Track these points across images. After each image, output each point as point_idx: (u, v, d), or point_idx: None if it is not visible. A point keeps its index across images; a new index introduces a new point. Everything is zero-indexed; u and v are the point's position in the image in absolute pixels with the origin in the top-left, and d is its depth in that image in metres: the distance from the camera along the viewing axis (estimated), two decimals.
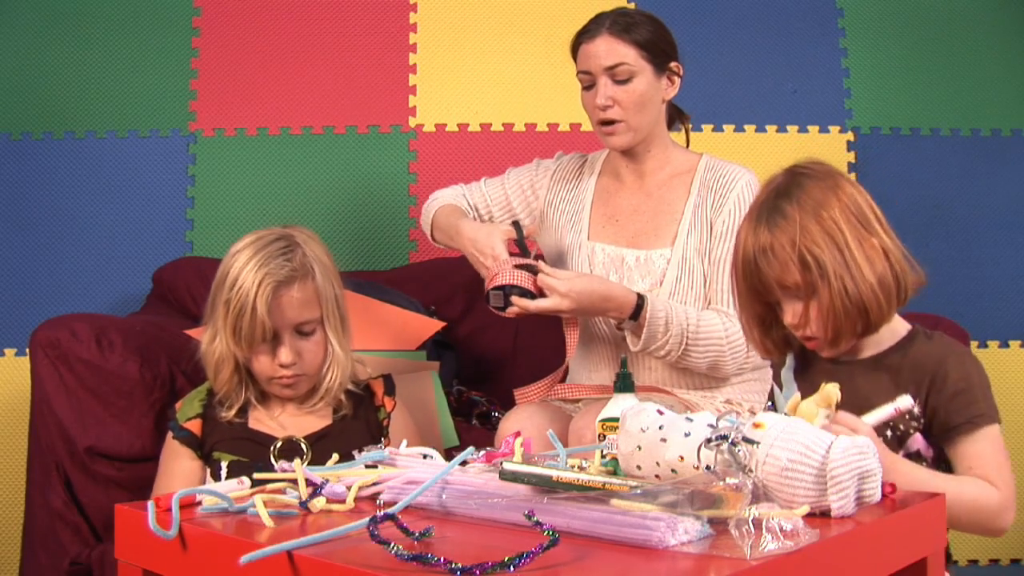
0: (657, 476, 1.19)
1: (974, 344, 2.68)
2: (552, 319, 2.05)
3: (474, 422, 2.37)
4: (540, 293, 1.88)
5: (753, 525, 0.95)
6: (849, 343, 1.45)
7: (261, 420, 1.81)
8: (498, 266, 1.91)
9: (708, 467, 1.13)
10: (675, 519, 0.97)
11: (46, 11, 2.84)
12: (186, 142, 2.82)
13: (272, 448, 1.74)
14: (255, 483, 1.29)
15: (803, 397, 1.30)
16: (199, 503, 1.23)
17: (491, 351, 2.55)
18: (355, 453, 1.36)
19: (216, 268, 1.78)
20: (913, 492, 1.25)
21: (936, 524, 1.22)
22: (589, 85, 2.02)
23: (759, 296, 1.46)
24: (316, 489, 1.23)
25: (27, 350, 2.04)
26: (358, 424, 1.83)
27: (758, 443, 1.11)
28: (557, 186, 2.16)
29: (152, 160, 2.81)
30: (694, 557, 0.94)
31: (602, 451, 1.35)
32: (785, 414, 1.27)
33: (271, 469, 1.32)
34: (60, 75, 2.82)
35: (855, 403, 1.36)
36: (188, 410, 1.81)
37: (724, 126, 2.88)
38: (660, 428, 1.21)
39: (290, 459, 1.36)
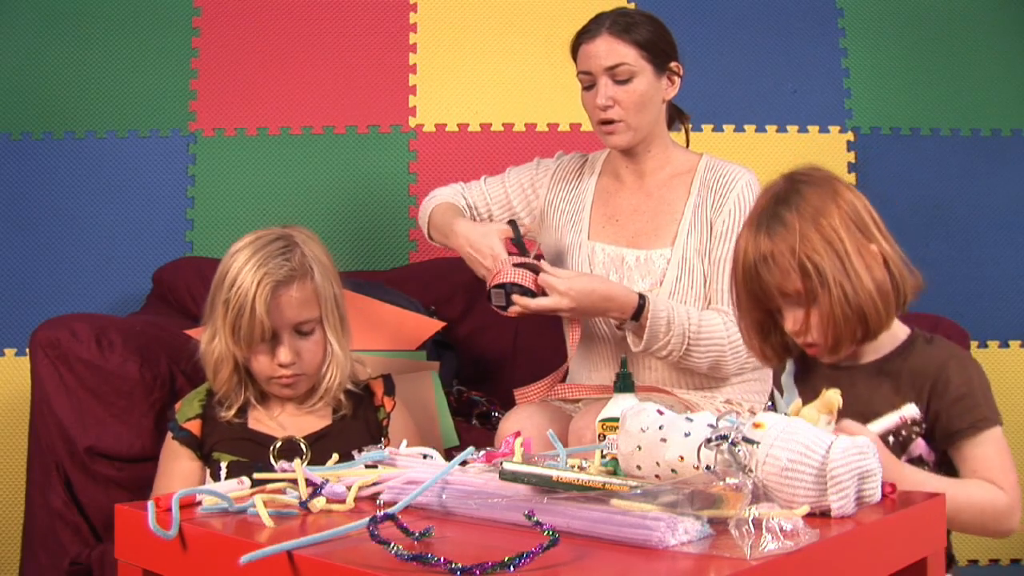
0: (657, 476, 1.19)
1: (974, 344, 2.68)
2: (552, 319, 2.05)
3: (474, 422, 2.36)
4: (541, 292, 1.88)
5: (753, 525, 0.95)
6: (849, 349, 1.45)
7: (260, 420, 1.80)
8: (499, 265, 1.91)
9: (708, 467, 1.13)
10: (675, 519, 0.97)
11: (46, 11, 2.84)
12: (186, 142, 2.82)
13: (272, 448, 1.74)
14: (255, 483, 1.29)
15: (804, 403, 1.30)
16: (199, 503, 1.23)
17: (491, 351, 2.55)
18: (355, 453, 1.36)
19: (216, 268, 1.78)
20: (913, 492, 1.25)
21: (936, 524, 1.22)
22: (589, 85, 2.02)
23: (759, 303, 1.47)
24: (316, 489, 1.23)
25: (27, 350, 2.04)
26: (358, 424, 1.83)
27: (758, 443, 1.11)
28: (557, 186, 2.16)
29: (152, 160, 2.80)
30: (694, 557, 0.94)
31: (602, 451, 1.35)
32: None
33: (271, 469, 1.32)
34: (60, 75, 2.82)
35: (856, 409, 1.36)
36: (187, 410, 1.81)
37: (724, 126, 2.88)
38: (660, 428, 1.21)
39: (289, 459, 1.36)
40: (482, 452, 1.34)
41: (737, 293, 1.49)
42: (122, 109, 2.82)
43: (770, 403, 1.63)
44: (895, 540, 1.13)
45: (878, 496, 1.14)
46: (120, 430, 1.96)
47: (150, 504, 1.17)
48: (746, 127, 2.88)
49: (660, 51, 2.00)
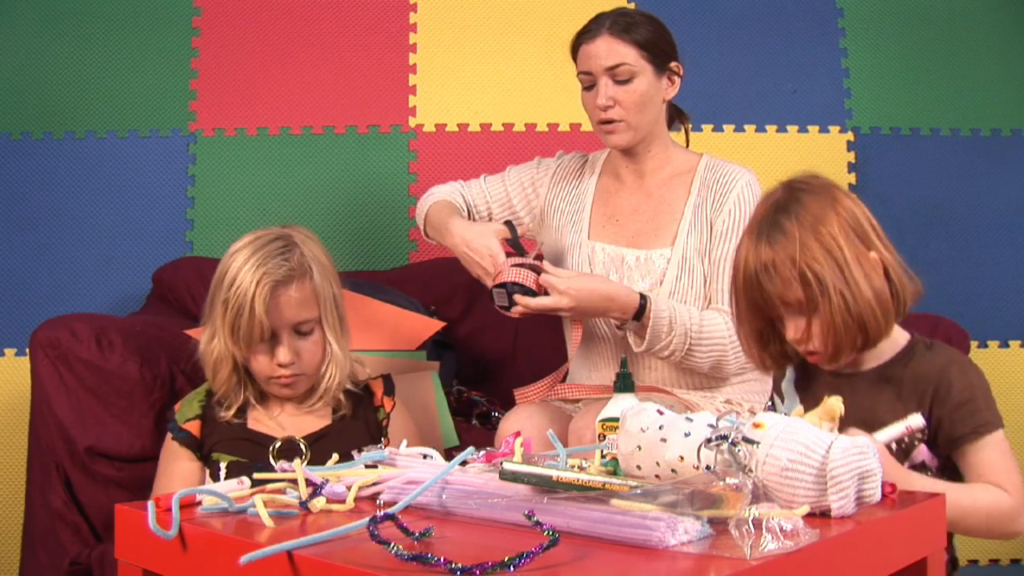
0: (657, 476, 1.19)
1: (974, 344, 2.68)
2: (552, 319, 2.05)
3: (474, 422, 2.36)
4: (543, 292, 1.88)
5: (753, 525, 0.95)
6: (849, 357, 1.46)
7: (260, 420, 1.80)
8: (499, 265, 1.91)
9: (708, 467, 1.13)
10: (675, 519, 0.97)
11: (46, 11, 2.84)
12: (186, 142, 2.82)
13: (271, 448, 1.74)
14: (255, 483, 1.29)
15: (806, 410, 1.30)
16: (199, 503, 1.23)
17: (491, 351, 2.55)
18: (354, 453, 1.36)
19: (216, 268, 1.78)
20: (913, 492, 1.25)
21: (936, 524, 1.22)
22: (590, 85, 2.02)
23: (760, 312, 1.47)
24: (316, 489, 1.23)
25: (27, 350, 2.04)
26: (357, 424, 1.83)
27: (758, 443, 1.11)
28: (558, 185, 2.16)
29: (152, 160, 2.80)
30: (694, 557, 0.94)
31: (602, 451, 1.35)
32: None
33: (270, 469, 1.32)
34: (60, 75, 2.82)
35: (859, 416, 1.37)
36: (187, 411, 1.81)
37: (724, 126, 2.88)
38: (660, 428, 1.21)
39: (289, 459, 1.36)
40: (482, 452, 1.34)
41: (737, 302, 1.49)
42: (122, 109, 2.82)
43: (770, 403, 1.63)
44: (895, 540, 1.14)
45: (878, 496, 1.14)
46: (120, 430, 1.96)
47: (150, 504, 1.17)
48: (746, 127, 2.88)
49: (660, 51, 2.00)
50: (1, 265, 2.74)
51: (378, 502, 1.24)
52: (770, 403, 1.62)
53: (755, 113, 2.89)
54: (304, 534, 1.05)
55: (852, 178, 2.85)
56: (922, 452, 1.44)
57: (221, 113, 2.83)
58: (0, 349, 2.70)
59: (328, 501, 1.22)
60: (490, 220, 2.17)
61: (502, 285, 1.89)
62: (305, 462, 1.35)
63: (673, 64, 2.03)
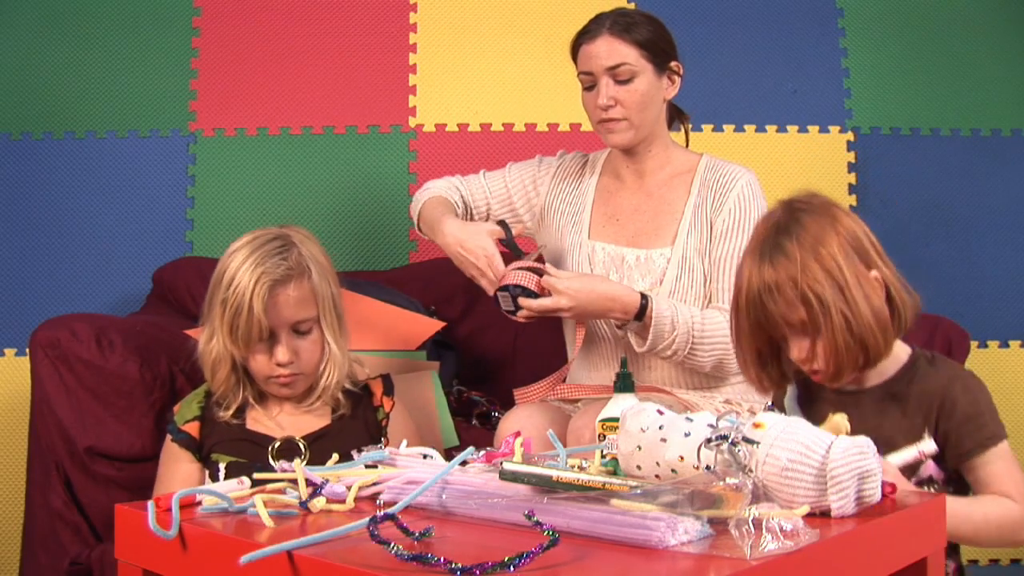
0: (657, 476, 1.19)
1: (974, 344, 2.68)
2: (552, 319, 2.05)
3: (474, 422, 2.36)
4: (546, 293, 1.88)
5: (753, 525, 0.95)
6: (850, 376, 1.47)
7: (259, 420, 1.80)
8: (502, 269, 1.91)
9: (708, 467, 1.13)
10: (675, 519, 0.97)
11: (46, 11, 2.84)
12: (186, 142, 2.82)
13: (270, 448, 1.74)
14: (255, 483, 1.29)
15: None
16: (199, 503, 1.23)
17: (491, 351, 2.54)
18: (354, 453, 1.36)
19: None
20: (913, 492, 1.25)
21: (936, 524, 1.22)
22: (590, 86, 2.02)
23: (762, 332, 1.47)
24: (316, 489, 1.23)
25: (27, 350, 2.04)
26: (356, 424, 1.83)
27: (758, 443, 1.11)
28: (559, 185, 2.16)
29: (152, 160, 2.80)
30: (694, 557, 0.94)
31: (602, 451, 1.35)
32: None
33: (270, 469, 1.32)
34: (60, 75, 2.82)
35: (864, 432, 1.36)
36: (186, 412, 1.81)
37: (724, 126, 2.88)
38: (660, 428, 1.21)
39: (288, 459, 1.36)
40: (482, 452, 1.34)
41: (738, 322, 1.49)
42: (122, 109, 2.82)
43: (770, 405, 1.63)
44: (895, 540, 1.14)
45: (878, 496, 1.14)
46: (120, 430, 1.96)
47: (150, 504, 1.17)
48: (746, 127, 2.88)
49: (660, 51, 2.00)
50: (1, 265, 2.74)
51: (378, 502, 1.24)
52: (770, 404, 1.63)
53: (755, 113, 2.89)
54: (304, 534, 1.05)
55: (852, 178, 2.85)
56: (929, 467, 1.45)
57: (221, 113, 2.83)
58: (0, 349, 2.70)
59: (328, 501, 1.22)
60: (488, 217, 2.17)
61: (505, 288, 1.89)
62: (304, 462, 1.35)
63: (673, 64, 2.03)
